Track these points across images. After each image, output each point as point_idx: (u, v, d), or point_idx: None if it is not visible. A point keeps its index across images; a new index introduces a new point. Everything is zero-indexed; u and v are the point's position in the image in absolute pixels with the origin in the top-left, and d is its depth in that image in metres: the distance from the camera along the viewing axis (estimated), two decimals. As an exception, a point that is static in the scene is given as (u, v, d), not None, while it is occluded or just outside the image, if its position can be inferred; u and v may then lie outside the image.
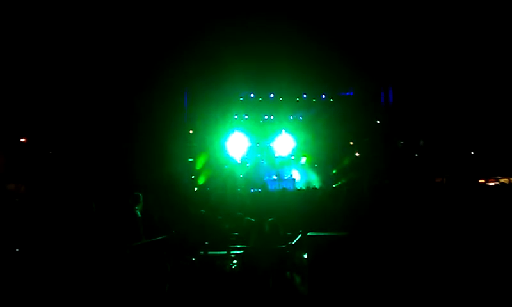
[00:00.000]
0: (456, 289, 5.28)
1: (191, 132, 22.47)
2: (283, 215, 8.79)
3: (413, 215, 6.44)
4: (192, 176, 21.75)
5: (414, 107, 21.17)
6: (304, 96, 24.05)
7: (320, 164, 24.21)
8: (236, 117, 23.89)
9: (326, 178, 23.47)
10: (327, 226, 7.24)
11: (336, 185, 21.63)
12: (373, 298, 5.51)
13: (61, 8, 15.47)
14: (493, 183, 18.95)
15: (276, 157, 24.17)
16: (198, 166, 22.14)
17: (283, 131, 23.94)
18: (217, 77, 20.48)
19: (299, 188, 20.33)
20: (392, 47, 18.66)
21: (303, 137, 23.68)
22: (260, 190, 20.51)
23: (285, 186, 20.85)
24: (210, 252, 7.64)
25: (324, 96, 24.24)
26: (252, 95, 23.64)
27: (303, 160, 24.38)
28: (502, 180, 19.32)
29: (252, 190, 20.18)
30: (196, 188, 20.73)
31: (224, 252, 7.60)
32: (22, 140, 18.78)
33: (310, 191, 15.87)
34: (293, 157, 24.40)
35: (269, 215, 7.90)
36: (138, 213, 7.81)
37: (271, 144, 24.28)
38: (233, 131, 23.27)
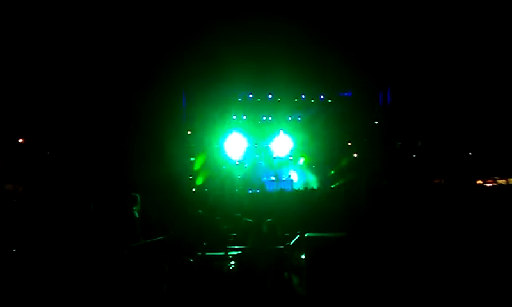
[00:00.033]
0: (454, 290, 5.29)
1: (189, 132, 22.45)
2: (281, 216, 8.77)
3: (411, 216, 6.44)
4: (190, 177, 21.73)
5: (412, 108, 21.22)
6: (303, 96, 24.06)
7: (318, 165, 24.20)
8: (234, 117, 23.85)
9: (324, 179, 23.47)
10: (325, 226, 7.23)
11: (334, 185, 21.63)
12: (371, 299, 5.51)
13: (59, 8, 15.46)
14: (490, 184, 18.99)
15: (274, 157, 24.17)
16: (196, 167, 22.12)
17: (281, 132, 23.93)
18: (215, 78, 20.48)
19: (297, 189, 20.32)
20: (391, 48, 18.70)
21: (301, 137, 23.68)
22: (258, 191, 20.48)
23: (283, 187, 20.84)
24: (208, 253, 7.63)
25: (322, 97, 24.24)
26: (250, 96, 23.63)
27: (301, 160, 24.38)
28: (499, 181, 19.37)
29: (250, 191, 20.15)
30: (194, 189, 20.72)
31: (222, 253, 7.59)
32: (20, 141, 18.76)
33: (308, 192, 15.86)
34: (291, 158, 24.40)
35: (267, 216, 7.89)
36: (136, 214, 7.82)
37: (269, 145, 24.28)
38: (231, 131, 23.25)
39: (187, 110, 22.06)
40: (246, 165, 24.01)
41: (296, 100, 24.07)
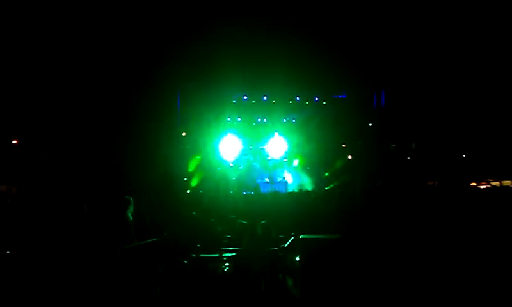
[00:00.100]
0: (448, 291, 5.30)
1: (183, 134, 22.42)
2: (276, 218, 8.78)
3: (405, 217, 6.45)
4: (185, 179, 21.69)
5: (406, 110, 21.26)
6: (297, 98, 24.04)
7: (313, 167, 24.24)
8: (229, 119, 23.82)
9: (318, 181, 23.50)
10: (319, 228, 7.23)
11: (329, 187, 21.64)
12: (365, 300, 5.52)
13: (50, 9, 15.40)
14: (484, 186, 19.05)
15: (269, 159, 24.17)
16: (191, 168, 22.09)
17: (276, 133, 23.93)
18: (210, 79, 20.47)
19: (291, 190, 20.33)
20: (385, 50, 18.73)
21: (296, 139, 23.69)
22: (252, 192, 20.48)
23: (277, 188, 20.85)
24: (202, 255, 7.61)
25: (317, 98, 24.24)
26: (245, 97, 23.60)
27: (296, 162, 24.39)
28: (493, 183, 19.43)
29: (245, 193, 20.15)
30: (188, 191, 20.68)
31: (217, 255, 7.58)
32: (14, 142, 18.69)
33: (302, 194, 15.87)
34: (286, 160, 24.40)
35: (262, 218, 7.89)
36: (130, 216, 7.79)
37: (264, 147, 24.28)
38: (226, 133, 23.25)
39: (182, 112, 22.00)
40: (240, 167, 24.01)
41: (290, 102, 24.05)
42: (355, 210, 9.09)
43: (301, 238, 6.45)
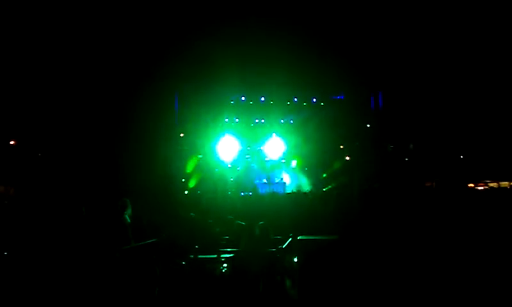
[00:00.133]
0: (446, 293, 5.31)
1: (181, 135, 22.41)
2: (274, 219, 8.78)
3: (403, 219, 6.46)
4: (183, 179, 21.68)
5: (404, 112, 21.28)
6: (295, 99, 24.01)
7: (310, 168, 24.25)
8: (227, 120, 23.83)
9: (316, 182, 23.50)
10: (317, 229, 7.23)
11: (327, 188, 21.64)
12: (363, 301, 5.52)
13: (47, 10, 15.39)
14: (482, 188, 19.08)
15: (267, 160, 24.17)
16: (189, 169, 22.08)
17: (274, 134, 23.96)
18: (208, 80, 20.44)
19: (289, 192, 20.33)
20: (383, 52, 18.75)
21: (294, 140, 23.70)
22: (250, 193, 20.47)
23: (275, 189, 20.84)
24: (200, 256, 7.61)
25: (314, 100, 24.23)
26: (243, 98, 23.56)
27: (294, 163, 24.41)
28: (491, 184, 19.47)
29: (242, 194, 20.14)
30: (186, 192, 20.67)
31: (215, 256, 7.57)
32: (12, 142, 18.66)
33: (300, 195, 15.86)
34: (283, 161, 24.42)
35: (260, 219, 7.89)
36: (127, 218, 7.79)
37: (262, 148, 24.29)
38: (223, 134, 23.25)
39: (180, 113, 21.97)
40: (238, 168, 24.02)
41: (288, 103, 24.03)
42: (353, 211, 9.09)
43: (299, 239, 6.46)
